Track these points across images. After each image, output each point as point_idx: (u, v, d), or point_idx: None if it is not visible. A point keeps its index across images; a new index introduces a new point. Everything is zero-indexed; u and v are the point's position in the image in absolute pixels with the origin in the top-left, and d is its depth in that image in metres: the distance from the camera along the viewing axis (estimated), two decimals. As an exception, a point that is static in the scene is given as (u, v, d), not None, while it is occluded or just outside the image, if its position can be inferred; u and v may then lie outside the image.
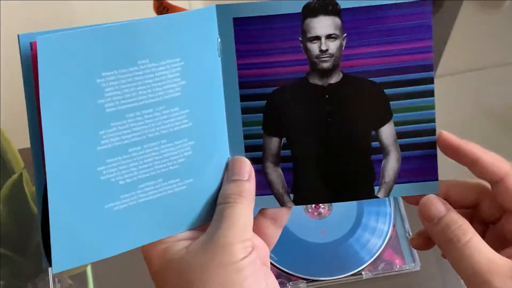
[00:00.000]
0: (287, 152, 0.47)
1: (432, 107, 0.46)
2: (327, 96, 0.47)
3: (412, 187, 0.47)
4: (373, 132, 0.47)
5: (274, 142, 0.47)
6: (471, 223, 0.44)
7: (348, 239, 0.66)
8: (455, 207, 0.45)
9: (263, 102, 0.47)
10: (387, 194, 0.47)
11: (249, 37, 0.46)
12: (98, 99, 0.40)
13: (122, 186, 0.42)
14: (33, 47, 0.39)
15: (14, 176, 0.68)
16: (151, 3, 0.75)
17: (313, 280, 0.64)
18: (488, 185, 0.46)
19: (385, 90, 0.46)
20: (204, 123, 0.45)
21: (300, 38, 0.46)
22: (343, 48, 0.46)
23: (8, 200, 0.68)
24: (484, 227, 0.47)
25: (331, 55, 0.46)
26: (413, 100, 0.46)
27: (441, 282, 0.66)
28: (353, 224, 0.67)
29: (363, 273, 0.65)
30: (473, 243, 0.42)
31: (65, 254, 0.40)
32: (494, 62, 1.03)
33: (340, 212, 0.67)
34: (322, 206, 0.68)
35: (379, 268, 0.65)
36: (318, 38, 0.46)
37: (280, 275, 0.65)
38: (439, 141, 0.46)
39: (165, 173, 0.43)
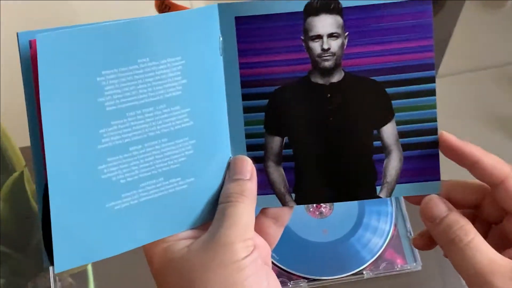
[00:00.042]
0: (289, 152, 0.47)
1: (434, 106, 0.46)
2: (328, 95, 0.46)
3: (414, 187, 0.47)
4: (375, 131, 0.47)
5: (276, 141, 0.47)
6: (474, 223, 0.44)
7: (349, 239, 0.66)
8: (457, 207, 0.44)
9: (265, 101, 0.47)
10: (389, 194, 0.47)
11: (251, 36, 0.46)
12: (98, 98, 0.40)
13: (123, 185, 0.42)
14: (32, 45, 0.39)
15: (15, 174, 0.68)
16: (152, 3, 0.75)
17: (314, 280, 0.64)
18: None
19: (386, 89, 0.46)
20: (206, 122, 0.45)
21: (302, 37, 0.46)
22: (345, 46, 0.46)
23: (9, 198, 0.68)
24: (487, 228, 0.47)
25: (333, 54, 0.46)
26: (414, 99, 0.46)
27: (443, 282, 0.66)
28: (355, 223, 0.67)
29: (364, 272, 0.65)
30: (475, 243, 0.42)
31: (67, 254, 0.40)
32: (496, 62, 1.03)
33: (342, 211, 0.67)
34: (324, 206, 0.68)
35: (380, 268, 0.65)
36: (320, 36, 0.46)
37: (281, 274, 0.64)
38: (439, 142, 0.46)
39: (166, 172, 0.43)
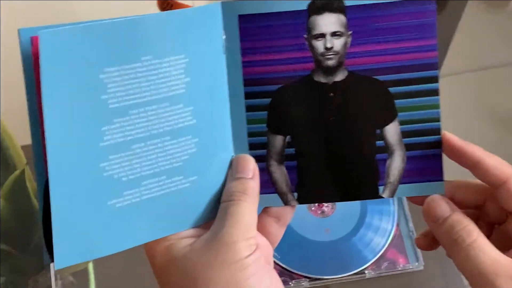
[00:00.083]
0: (291, 150, 0.47)
1: (437, 106, 0.46)
2: (331, 94, 0.46)
3: (417, 188, 0.46)
4: (378, 131, 0.47)
5: (278, 140, 0.47)
6: (477, 223, 0.43)
7: (351, 238, 0.66)
8: (460, 208, 0.44)
9: (268, 100, 0.46)
10: (392, 194, 0.47)
11: (254, 34, 0.46)
12: (101, 95, 0.40)
13: (125, 183, 0.42)
14: (33, 41, 0.39)
15: (16, 173, 0.68)
16: (153, 3, 0.75)
17: (316, 279, 0.64)
18: None
19: (389, 89, 0.46)
20: (208, 121, 0.44)
21: (305, 36, 0.46)
22: (348, 45, 0.46)
23: (10, 196, 0.68)
24: (490, 228, 0.47)
25: (336, 53, 0.46)
26: (417, 98, 0.46)
27: (444, 282, 0.66)
28: (357, 222, 0.67)
29: (366, 272, 0.65)
30: (478, 243, 0.42)
31: (67, 250, 0.40)
32: (498, 62, 1.03)
33: (344, 210, 0.67)
34: (326, 205, 0.68)
35: (382, 267, 0.65)
36: (323, 35, 0.46)
37: (282, 273, 0.64)
38: (441, 142, 0.46)
39: (169, 170, 0.43)
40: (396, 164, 0.47)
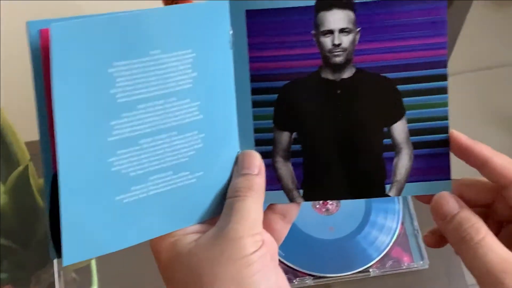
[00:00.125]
0: (298, 147, 0.47)
1: (445, 104, 0.46)
2: (339, 91, 0.46)
3: (424, 186, 0.46)
4: (385, 129, 0.46)
5: (284, 137, 0.47)
6: (486, 221, 0.43)
7: (356, 236, 0.66)
8: (469, 206, 0.44)
9: (275, 96, 0.46)
10: (399, 193, 0.46)
11: (261, 30, 0.45)
12: (110, 89, 0.40)
13: (132, 178, 0.41)
14: (42, 34, 0.39)
15: (20, 168, 0.68)
16: (157, 2, 0.75)
17: (320, 277, 0.64)
18: None
19: (398, 86, 0.46)
20: (215, 116, 0.44)
21: (313, 32, 0.45)
22: (357, 42, 0.45)
23: (13, 192, 0.68)
24: (499, 226, 0.47)
25: (344, 50, 0.46)
26: (426, 97, 0.46)
27: (450, 280, 0.65)
28: (361, 221, 0.66)
29: (370, 270, 0.64)
30: (486, 242, 0.41)
31: (75, 247, 0.40)
32: (504, 62, 1.02)
33: (348, 208, 0.67)
34: (330, 203, 0.67)
35: (387, 266, 0.64)
36: (331, 32, 0.45)
37: (286, 271, 0.64)
38: (449, 140, 0.45)
39: (176, 166, 0.43)
40: (403, 163, 0.46)
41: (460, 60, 0.95)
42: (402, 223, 0.66)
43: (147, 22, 0.40)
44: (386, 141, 0.46)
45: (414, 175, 0.46)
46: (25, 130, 0.68)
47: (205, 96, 0.43)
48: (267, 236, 0.45)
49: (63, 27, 0.38)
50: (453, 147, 0.45)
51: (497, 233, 0.45)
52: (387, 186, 0.47)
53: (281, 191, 0.47)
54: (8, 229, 0.67)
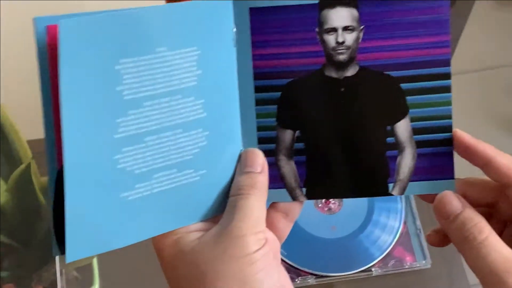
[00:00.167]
0: (301, 145, 0.47)
1: (449, 103, 0.46)
2: (342, 89, 0.46)
3: (427, 186, 0.46)
4: (389, 127, 0.46)
5: (287, 135, 0.47)
6: (489, 221, 0.43)
7: (358, 235, 0.66)
8: (472, 206, 0.44)
9: (278, 94, 0.46)
10: (402, 192, 0.46)
11: (265, 28, 0.45)
12: (116, 86, 0.40)
13: (137, 176, 0.41)
14: (49, 31, 0.39)
15: (22, 167, 0.68)
16: (160, 2, 0.75)
17: (322, 276, 0.64)
18: None
19: (401, 85, 0.46)
20: (218, 114, 0.44)
21: (316, 30, 0.45)
22: (360, 40, 0.45)
23: (15, 190, 0.68)
24: (502, 225, 0.47)
25: (348, 48, 0.45)
26: (429, 95, 0.46)
27: (452, 280, 0.65)
28: (364, 220, 0.66)
29: (373, 269, 0.64)
30: (490, 241, 0.41)
31: (79, 243, 0.40)
32: (506, 62, 1.02)
33: (351, 207, 0.67)
34: (333, 201, 0.67)
35: (389, 265, 0.64)
36: (334, 29, 0.45)
37: (289, 270, 0.64)
38: (453, 139, 0.45)
39: (180, 163, 0.43)
40: (406, 161, 0.46)
41: (462, 60, 0.94)
42: (405, 223, 0.66)
43: (153, 19, 0.40)
44: (390, 139, 0.46)
45: (417, 174, 0.46)
46: (27, 128, 0.68)
47: (209, 94, 0.43)
48: (270, 234, 0.45)
49: (72, 24, 0.38)
50: (457, 146, 0.45)
51: (500, 233, 0.45)
52: (390, 185, 0.46)
53: (284, 189, 0.47)
54: (10, 228, 0.67)
